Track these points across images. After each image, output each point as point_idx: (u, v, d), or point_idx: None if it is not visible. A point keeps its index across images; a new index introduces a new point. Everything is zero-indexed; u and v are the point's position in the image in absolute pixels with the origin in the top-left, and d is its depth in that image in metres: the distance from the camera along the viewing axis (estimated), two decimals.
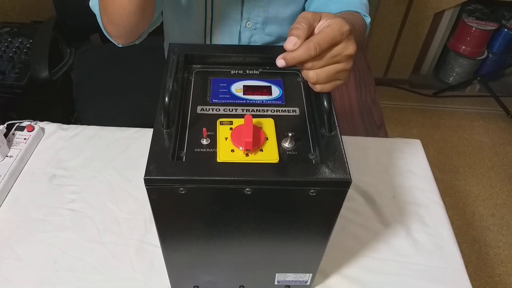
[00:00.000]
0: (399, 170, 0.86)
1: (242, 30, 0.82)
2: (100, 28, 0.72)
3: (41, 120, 0.91)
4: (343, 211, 0.48)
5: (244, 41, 0.84)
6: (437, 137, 2.14)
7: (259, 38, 0.84)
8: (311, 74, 0.47)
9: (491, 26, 2.18)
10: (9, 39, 1.41)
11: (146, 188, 0.44)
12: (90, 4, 0.71)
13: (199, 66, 0.59)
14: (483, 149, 2.08)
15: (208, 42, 0.84)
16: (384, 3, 2.06)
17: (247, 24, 0.80)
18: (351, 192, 0.48)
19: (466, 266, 0.71)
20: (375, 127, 1.42)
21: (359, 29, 0.69)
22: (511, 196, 1.86)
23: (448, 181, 1.92)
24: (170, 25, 0.90)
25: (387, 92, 2.36)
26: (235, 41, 0.83)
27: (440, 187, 0.84)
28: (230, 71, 0.58)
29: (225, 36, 0.82)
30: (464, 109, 2.31)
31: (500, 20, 2.21)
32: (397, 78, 2.39)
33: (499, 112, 2.25)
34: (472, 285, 0.68)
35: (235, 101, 0.54)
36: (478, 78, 2.31)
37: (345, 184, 0.45)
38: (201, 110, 0.53)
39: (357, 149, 0.89)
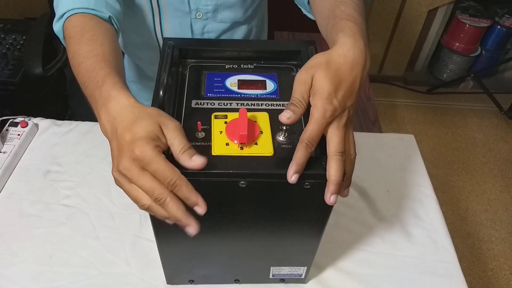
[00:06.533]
0: (393, 165, 0.87)
1: (193, 22, 0.79)
2: None
3: (35, 117, 0.91)
4: (337, 205, 0.48)
5: (197, 33, 0.81)
6: (431, 133, 2.15)
7: (212, 28, 0.81)
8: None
9: (484, 23, 2.19)
10: (2, 36, 1.40)
11: None
12: (55, 29, 0.61)
13: (193, 60, 0.59)
14: (476, 145, 2.10)
15: (159, 37, 0.81)
16: (378, 0, 2.06)
17: (197, 15, 0.78)
18: None
19: (459, 261, 0.72)
20: (370, 123, 1.43)
21: (362, 28, 0.51)
22: (504, 192, 1.88)
23: (441, 177, 1.93)
24: (123, 25, 0.85)
25: (381, 88, 2.37)
26: (187, 34, 0.80)
27: (434, 183, 0.84)
28: (225, 65, 0.59)
29: (176, 30, 0.80)
30: (458, 106, 2.33)
31: (493, 17, 2.23)
32: (391, 74, 2.40)
33: (492, 109, 2.27)
34: (465, 279, 0.69)
35: (229, 95, 0.54)
36: (472, 75, 2.32)
37: None
38: (195, 104, 0.53)
39: None
